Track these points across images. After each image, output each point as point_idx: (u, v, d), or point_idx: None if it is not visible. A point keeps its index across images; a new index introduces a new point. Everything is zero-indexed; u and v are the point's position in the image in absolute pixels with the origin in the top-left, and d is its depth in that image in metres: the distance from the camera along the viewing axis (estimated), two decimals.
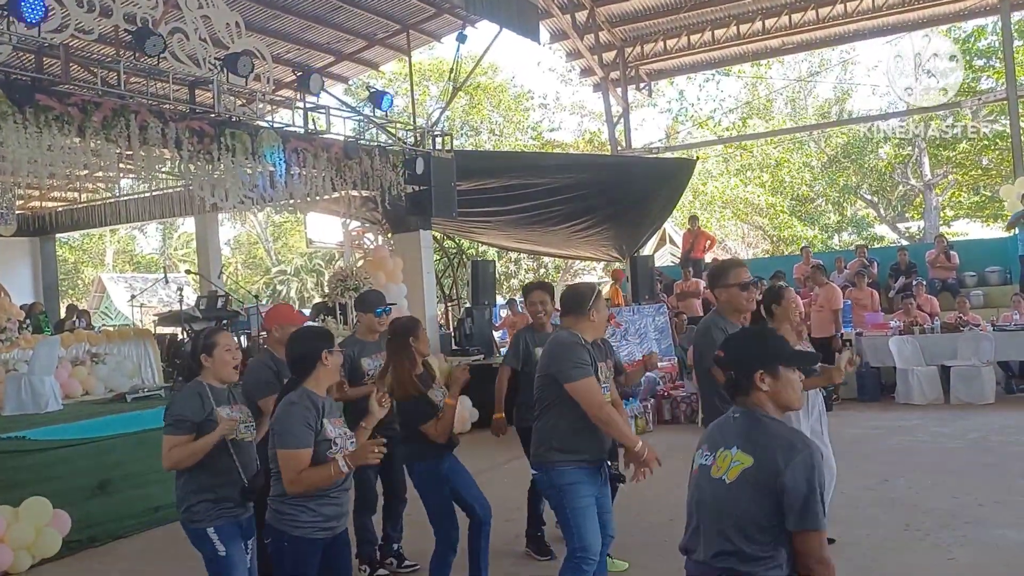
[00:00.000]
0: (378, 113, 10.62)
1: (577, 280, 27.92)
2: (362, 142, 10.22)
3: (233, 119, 8.50)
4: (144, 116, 7.83)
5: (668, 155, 17.53)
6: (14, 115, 6.81)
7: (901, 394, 10.38)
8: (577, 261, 25.88)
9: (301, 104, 9.71)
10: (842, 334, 10.70)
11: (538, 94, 35.53)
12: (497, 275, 28.19)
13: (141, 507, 6.71)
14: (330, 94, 12.31)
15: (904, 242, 23.63)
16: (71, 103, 7.29)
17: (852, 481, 6.78)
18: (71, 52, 7.16)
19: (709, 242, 15.36)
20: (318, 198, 10.40)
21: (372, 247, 11.92)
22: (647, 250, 24.29)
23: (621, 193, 13.29)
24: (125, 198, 13.62)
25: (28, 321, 10.17)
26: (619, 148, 16.78)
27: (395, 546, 5.36)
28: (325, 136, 9.81)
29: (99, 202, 13.82)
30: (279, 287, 30.29)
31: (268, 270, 33.66)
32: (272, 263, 34.15)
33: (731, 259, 6.27)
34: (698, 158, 15.06)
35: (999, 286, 12.81)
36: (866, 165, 27.74)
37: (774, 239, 27.55)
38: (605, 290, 16.53)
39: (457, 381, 4.24)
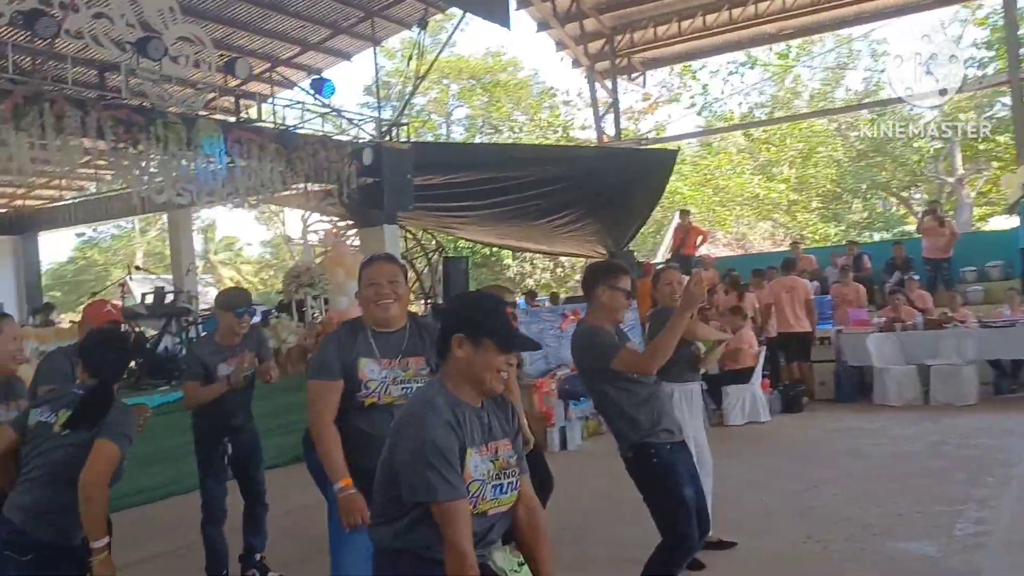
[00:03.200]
0: (330, 104, 10.36)
1: None
2: (308, 132, 9.93)
3: (150, 106, 8.23)
4: (61, 105, 7.62)
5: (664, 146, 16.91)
6: None
7: (878, 394, 9.68)
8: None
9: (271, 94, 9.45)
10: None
11: (561, 90, 34.59)
12: (512, 275, 27.94)
13: None
14: (301, 88, 12.08)
15: None
16: None
17: (778, 487, 6.29)
18: None
19: (701, 237, 14.75)
20: (270, 193, 10.11)
21: (335, 244, 11.61)
22: (662, 248, 23.81)
23: (602, 186, 12.79)
24: (107, 195, 13.48)
25: None
26: (610, 139, 16.20)
27: (257, 556, 4.92)
28: (268, 126, 9.53)
29: (78, 199, 13.78)
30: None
31: None
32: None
33: (619, 263, 5.61)
34: (678, 148, 14.36)
35: (1000, 281, 11.98)
36: (897, 160, 26.69)
37: (797, 236, 26.66)
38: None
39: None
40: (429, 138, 30.56)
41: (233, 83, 11.50)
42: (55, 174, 12.52)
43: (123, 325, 4.15)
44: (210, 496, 4.68)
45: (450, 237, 17.02)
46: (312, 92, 9.87)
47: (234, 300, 4.67)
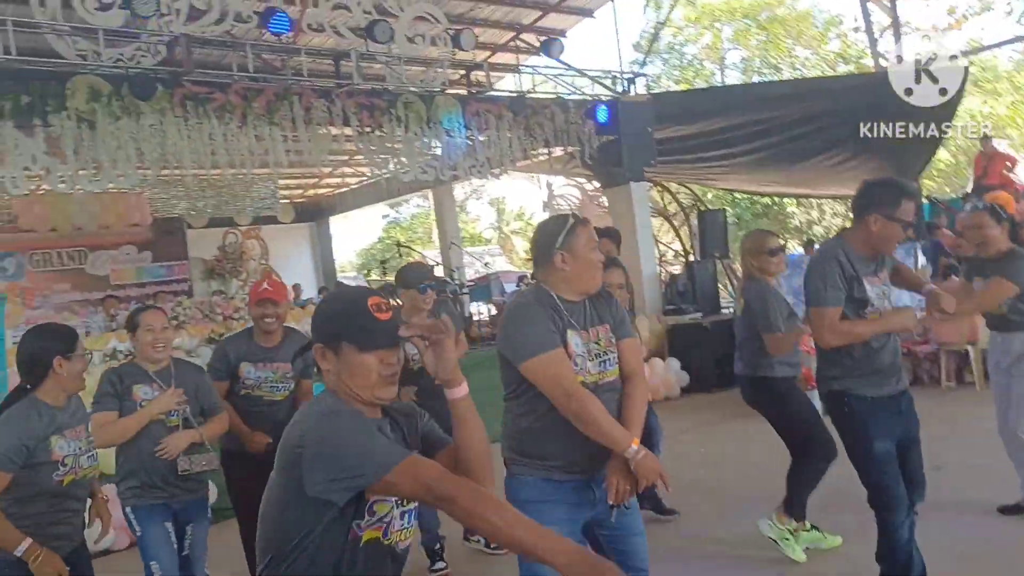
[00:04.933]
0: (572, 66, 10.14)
1: None
2: (544, 96, 9.80)
3: (388, 88, 8.55)
4: (308, 97, 8.16)
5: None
6: (172, 109, 7.44)
7: None
8: None
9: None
10: None
11: (849, 16, 30.70)
12: (799, 223, 26.02)
13: None
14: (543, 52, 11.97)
15: None
16: (233, 91, 7.79)
17: None
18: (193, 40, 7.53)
19: (1010, 163, 12.60)
20: (511, 161, 10.13)
21: (582, 206, 11.48)
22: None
23: (877, 116, 11.39)
24: (373, 179, 14.36)
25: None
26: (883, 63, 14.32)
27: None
28: (502, 94, 9.56)
29: (356, 185, 14.88)
30: None
31: None
32: None
33: (906, 183, 4.69)
34: (969, 65, 12.14)
35: None
36: None
37: None
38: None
39: None
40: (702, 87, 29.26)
41: (481, 57, 11.67)
42: (343, 163, 13.62)
43: (282, 302, 4.08)
44: None
45: (722, 190, 16.23)
46: (544, 53, 9.73)
47: (414, 276, 4.58)
